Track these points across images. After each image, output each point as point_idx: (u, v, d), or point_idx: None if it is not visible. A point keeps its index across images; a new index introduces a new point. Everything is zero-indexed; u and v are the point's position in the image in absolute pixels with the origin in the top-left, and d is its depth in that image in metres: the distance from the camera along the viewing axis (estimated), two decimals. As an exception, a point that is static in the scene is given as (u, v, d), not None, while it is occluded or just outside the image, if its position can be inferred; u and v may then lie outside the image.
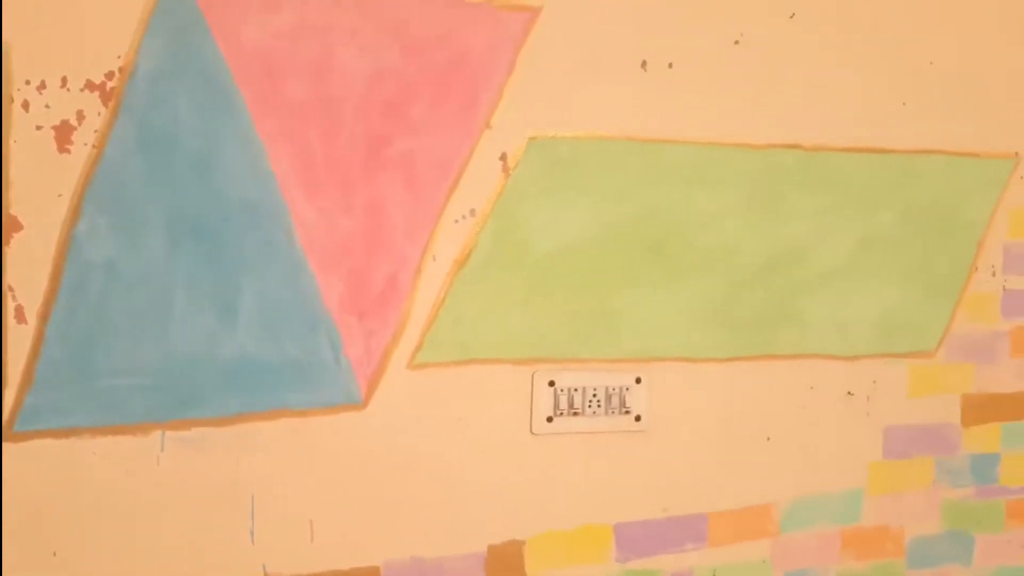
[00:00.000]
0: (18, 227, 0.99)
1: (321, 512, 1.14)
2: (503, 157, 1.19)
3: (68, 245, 1.01)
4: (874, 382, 1.41)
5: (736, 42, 1.29)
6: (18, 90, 0.98)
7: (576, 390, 1.25)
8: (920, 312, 1.43)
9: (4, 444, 1.00)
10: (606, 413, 1.27)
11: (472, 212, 1.18)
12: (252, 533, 1.11)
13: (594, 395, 1.26)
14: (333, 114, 1.12)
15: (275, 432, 1.11)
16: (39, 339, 1.01)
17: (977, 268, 1.46)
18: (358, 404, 1.15)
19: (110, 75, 1.01)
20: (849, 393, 1.40)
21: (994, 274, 1.47)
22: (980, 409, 1.48)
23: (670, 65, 1.26)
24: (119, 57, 1.01)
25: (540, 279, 1.22)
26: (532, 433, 1.24)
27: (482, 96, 1.18)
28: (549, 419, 1.24)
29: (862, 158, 1.37)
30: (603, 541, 1.28)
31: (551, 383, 1.24)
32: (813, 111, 1.34)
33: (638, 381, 1.28)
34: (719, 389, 1.33)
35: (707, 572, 1.34)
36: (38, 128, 0.99)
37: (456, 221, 1.18)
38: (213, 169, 1.07)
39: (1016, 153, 1.47)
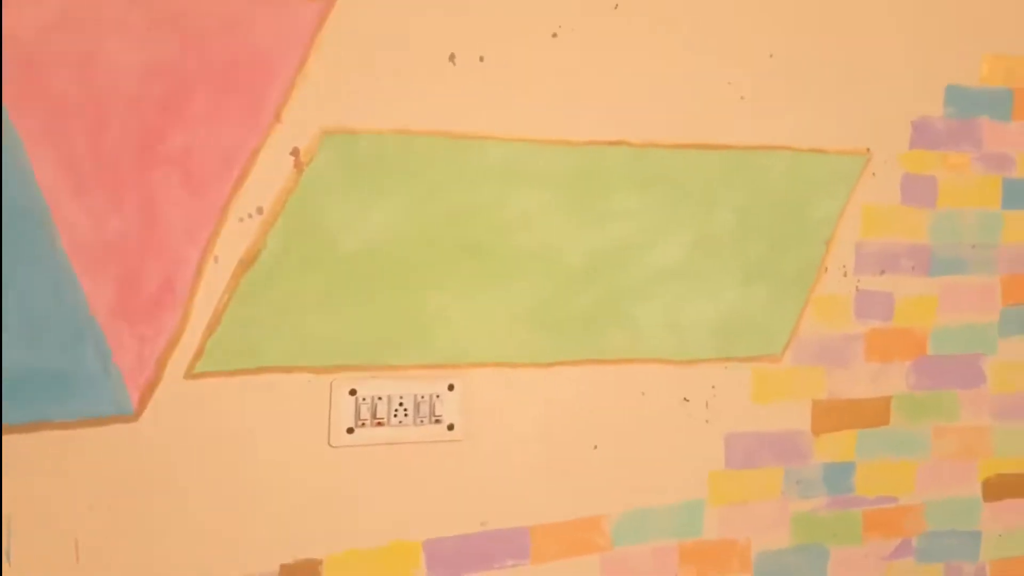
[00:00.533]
0: None
1: (87, 531, 1.07)
2: (295, 152, 1.12)
3: None
4: (713, 387, 1.35)
5: (554, 35, 1.23)
6: None
7: (380, 399, 1.19)
8: (763, 314, 1.37)
9: None
10: (415, 423, 1.20)
11: (260, 210, 1.11)
12: (9, 555, 1.04)
13: (400, 404, 1.19)
14: (101, 110, 1.05)
15: (35, 446, 1.04)
16: None
17: (827, 268, 1.40)
18: (129, 415, 1.08)
19: None
20: (685, 399, 1.34)
21: (845, 274, 1.42)
22: (833, 416, 1.42)
23: (481, 58, 1.20)
24: None
25: (341, 281, 1.16)
26: (330, 446, 1.17)
27: (271, 89, 1.12)
28: (350, 430, 1.18)
29: (696, 154, 1.31)
30: (411, 559, 1.21)
31: (352, 392, 1.17)
32: (641, 106, 1.28)
33: (451, 388, 1.22)
34: (541, 396, 1.26)
35: (531, 589, 1.28)
36: None
37: (241, 220, 1.11)
38: (-42, 166, 1.00)
39: (867, 149, 1.41)
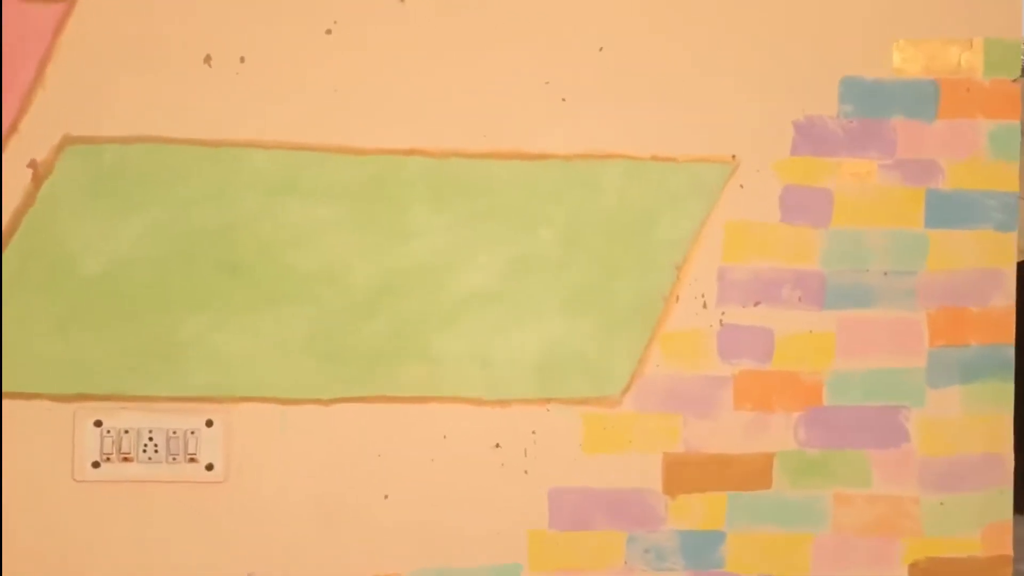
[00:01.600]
0: None
1: None
2: (32, 164, 1.06)
3: None
4: (533, 433, 1.16)
5: (328, 31, 1.11)
6: None
7: (127, 432, 1.09)
8: (596, 349, 1.17)
9: None
10: (167, 460, 1.10)
11: (-8, 228, 1.06)
12: None
13: (150, 438, 1.09)
14: None
15: None
16: None
17: (678, 298, 1.18)
18: None
19: None
20: (497, 445, 1.16)
21: (705, 305, 1.19)
22: (692, 473, 1.19)
23: (242, 59, 1.10)
24: None
25: (83, 302, 1.08)
26: (74, 480, 1.09)
27: (7, 96, 1.06)
28: (95, 464, 1.09)
29: (508, 165, 1.15)
30: (164, 609, 1.10)
31: (97, 423, 1.09)
32: (438, 109, 1.13)
33: (209, 424, 1.11)
34: (320, 436, 1.13)
35: (306, 655, 1.13)
36: None
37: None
38: None
39: (733, 156, 1.19)
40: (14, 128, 1.06)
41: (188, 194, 1.09)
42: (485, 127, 1.14)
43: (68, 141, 1.07)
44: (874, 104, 1.20)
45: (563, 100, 1.15)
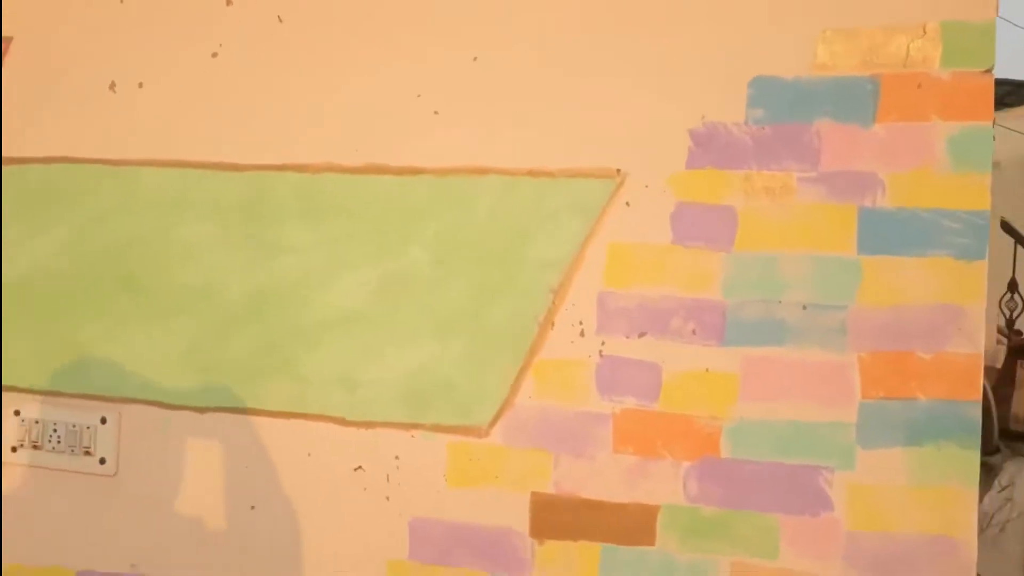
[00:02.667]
0: None
1: None
2: (-25, 183, 1.22)
3: None
4: (396, 458, 1.12)
5: (214, 54, 1.16)
6: None
7: (37, 422, 1.21)
8: (462, 375, 1.10)
9: None
10: (69, 451, 1.20)
11: (-52, 238, 1.23)
12: None
13: (55, 430, 1.20)
14: None
15: None
16: None
17: (554, 324, 1.08)
18: None
19: None
20: (359, 468, 1.13)
21: (582, 334, 1.07)
22: (563, 517, 1.08)
23: (140, 84, 1.18)
24: None
25: (7, 307, 1.22)
26: (5, 463, 1.22)
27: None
28: (14, 449, 1.22)
29: (379, 180, 1.12)
30: (60, 588, 1.20)
31: (16, 412, 1.22)
32: (309, 124, 1.14)
33: (103, 421, 1.19)
34: (197, 442, 1.17)
35: (177, 651, 1.17)
36: None
37: (-64, 246, 1.23)
38: None
39: (618, 171, 1.07)
40: (-37, 151, 1.22)
41: (94, 211, 1.20)
42: (357, 141, 1.13)
43: (2, 161, 1.21)
44: (792, 107, 1.02)
45: (435, 113, 1.11)
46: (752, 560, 1.03)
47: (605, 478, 1.07)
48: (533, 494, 1.09)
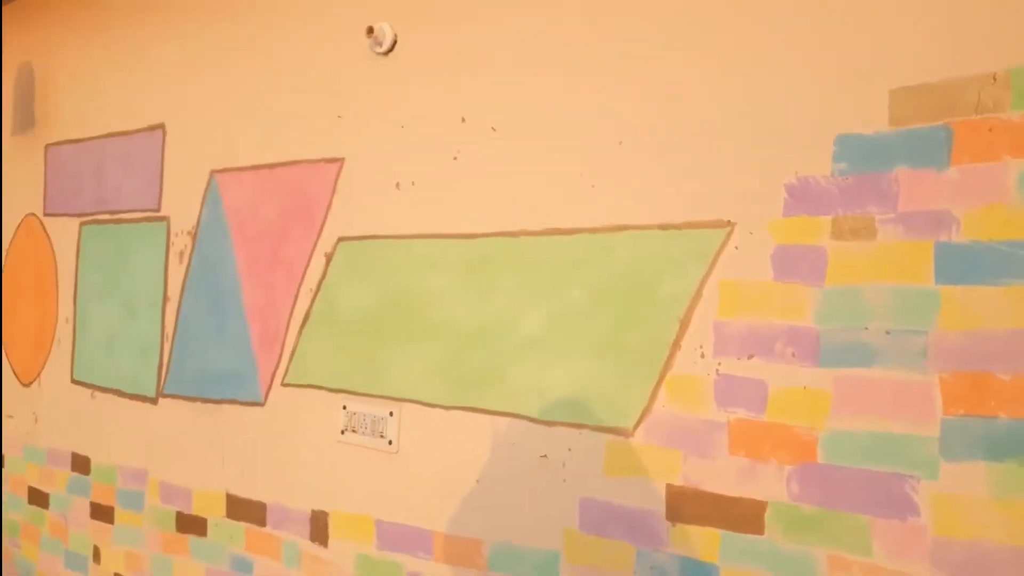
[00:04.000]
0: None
1: (247, 452, 2.00)
2: (326, 255, 1.87)
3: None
4: (569, 450, 1.46)
5: (454, 158, 1.65)
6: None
7: (355, 414, 1.80)
8: (615, 388, 1.41)
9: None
10: (372, 434, 1.76)
11: (310, 289, 1.90)
12: (223, 461, 2.06)
13: (363, 420, 1.78)
14: (260, 241, 2.02)
15: (232, 410, 2.04)
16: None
17: (681, 347, 1.34)
18: (261, 402, 1.98)
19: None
20: (544, 456, 1.49)
21: (703, 355, 1.32)
22: (691, 505, 1.32)
23: (413, 183, 1.72)
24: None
25: (344, 335, 1.83)
26: (338, 441, 1.83)
27: (316, 219, 1.90)
28: (343, 431, 1.82)
29: (554, 240, 1.50)
30: (369, 529, 1.75)
31: (344, 407, 1.82)
32: (516, 201, 1.56)
33: (391, 414, 1.73)
34: (444, 431, 1.65)
35: (432, 582, 1.64)
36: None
37: (303, 295, 1.91)
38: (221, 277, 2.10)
39: (728, 221, 1.31)
40: (319, 235, 1.88)
41: (388, 270, 1.75)
42: (540, 212, 1.52)
43: (340, 239, 1.84)
44: (871, 158, 1.18)
45: (592, 187, 1.46)
46: (847, 555, 1.18)
47: (723, 475, 1.30)
48: (668, 485, 1.35)
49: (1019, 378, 1.06)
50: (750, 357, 1.28)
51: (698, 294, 1.33)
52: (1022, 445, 1.06)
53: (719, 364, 1.31)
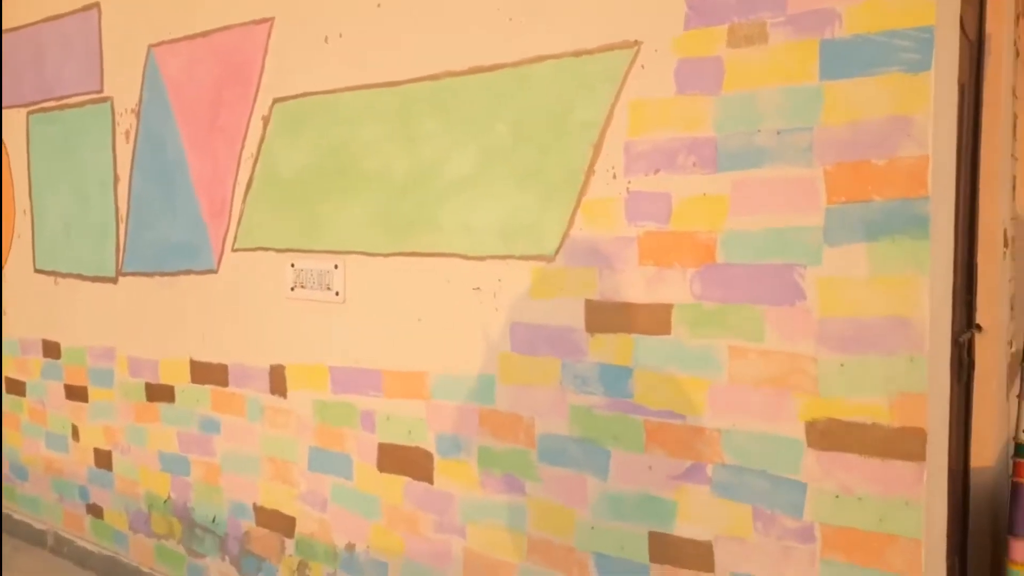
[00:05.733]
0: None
1: (206, 319, 2.09)
2: (263, 118, 1.91)
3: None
4: (499, 280, 1.55)
5: (378, 5, 1.68)
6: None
7: (303, 271, 1.87)
8: (537, 217, 1.49)
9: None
10: (319, 288, 1.84)
11: (251, 155, 1.94)
12: (184, 330, 2.14)
13: (310, 275, 1.85)
14: (200, 112, 2.05)
15: (189, 280, 2.11)
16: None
17: (595, 171, 1.41)
18: (214, 270, 2.05)
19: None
20: (477, 288, 1.58)
21: (615, 176, 1.39)
22: (606, 316, 1.41)
23: (340, 35, 1.74)
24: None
25: (286, 196, 1.89)
26: (288, 298, 1.91)
27: (251, 83, 1.92)
28: (292, 288, 1.90)
29: (478, 78, 1.55)
30: (323, 376, 1.85)
31: (292, 265, 1.89)
32: (439, 43, 1.59)
33: (336, 267, 1.81)
34: (385, 277, 1.72)
35: (383, 417, 1.75)
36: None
37: (245, 160, 1.95)
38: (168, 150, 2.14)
39: (636, 41, 1.35)
40: (254, 99, 1.91)
41: (320, 127, 1.80)
42: (462, 50, 1.56)
43: (275, 99, 1.87)
44: (761, -36, 1.22)
45: (510, 20, 1.49)
46: (744, 343, 1.28)
47: (634, 285, 1.38)
48: (586, 301, 1.44)
49: (893, 162, 1.14)
50: (656, 172, 1.35)
51: (609, 116, 1.39)
52: (894, 224, 1.14)
53: (629, 183, 1.38)
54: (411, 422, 1.71)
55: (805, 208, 1.21)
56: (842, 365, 1.19)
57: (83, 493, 2.52)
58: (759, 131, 1.25)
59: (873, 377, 1.17)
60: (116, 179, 2.27)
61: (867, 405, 1.18)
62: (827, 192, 1.19)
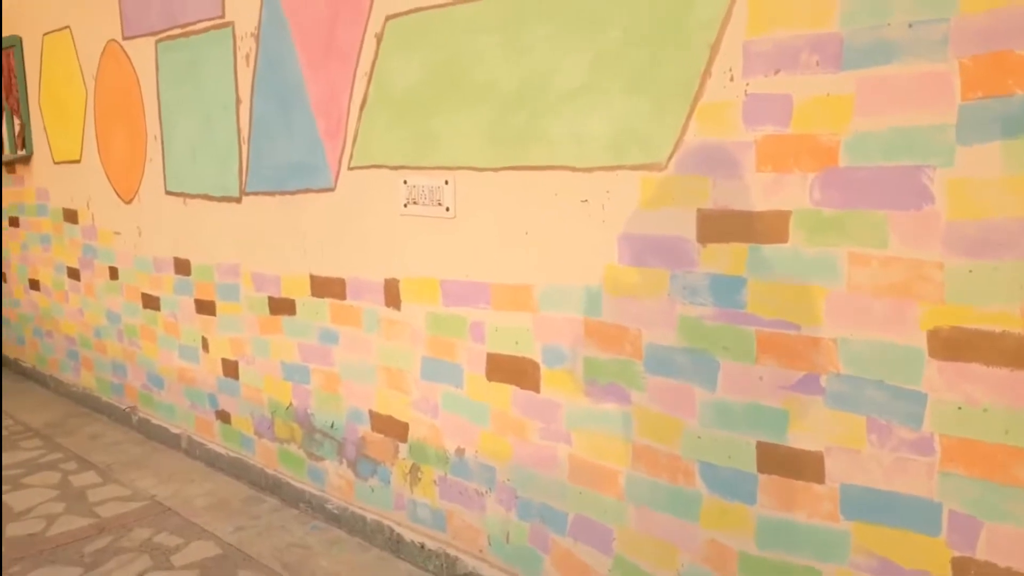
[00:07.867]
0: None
1: (324, 235, 2.18)
2: (376, 36, 1.94)
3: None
4: (607, 192, 1.54)
5: (489, -84, 1.66)
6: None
7: (415, 187, 1.92)
8: (649, 125, 1.47)
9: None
10: (431, 204, 1.89)
11: (365, 73, 1.99)
12: (304, 246, 2.25)
13: (422, 192, 1.90)
14: (316, 32, 2.10)
15: (308, 199, 2.21)
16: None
17: (711, 74, 1.37)
18: (332, 188, 2.13)
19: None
20: (584, 201, 1.58)
21: (732, 78, 1.35)
22: (719, 226, 1.39)
23: (451, -50, 1.75)
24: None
25: (399, 113, 1.93)
26: (401, 214, 1.97)
27: (365, 1, 1.96)
28: (405, 204, 1.95)
29: (587, -17, 1.52)
30: (435, 290, 1.91)
31: (405, 181, 1.94)
32: (547, -46, 1.57)
33: (446, 183, 1.85)
34: (495, 191, 1.75)
35: (492, 328, 1.80)
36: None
37: (359, 79, 2.00)
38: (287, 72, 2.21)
39: (756, -64, 1.29)
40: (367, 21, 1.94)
41: (435, 40, 1.81)
42: (576, -40, 1.53)
43: (387, 17, 1.90)
44: None
45: (623, -76, 1.45)
46: (865, 251, 1.24)
47: (750, 193, 1.36)
48: (698, 210, 1.42)
49: (1039, 51, 1.06)
50: (776, 72, 1.30)
51: (728, 15, 1.35)
52: (1038, 118, 1.07)
53: (747, 84, 1.34)
54: (518, 333, 1.75)
55: (937, 106, 1.15)
56: (971, 271, 1.14)
57: (212, 400, 2.72)
58: (888, 24, 1.18)
59: (1004, 283, 1.12)
60: (238, 102, 2.37)
61: (997, 313, 1.13)
62: (962, 87, 1.13)
